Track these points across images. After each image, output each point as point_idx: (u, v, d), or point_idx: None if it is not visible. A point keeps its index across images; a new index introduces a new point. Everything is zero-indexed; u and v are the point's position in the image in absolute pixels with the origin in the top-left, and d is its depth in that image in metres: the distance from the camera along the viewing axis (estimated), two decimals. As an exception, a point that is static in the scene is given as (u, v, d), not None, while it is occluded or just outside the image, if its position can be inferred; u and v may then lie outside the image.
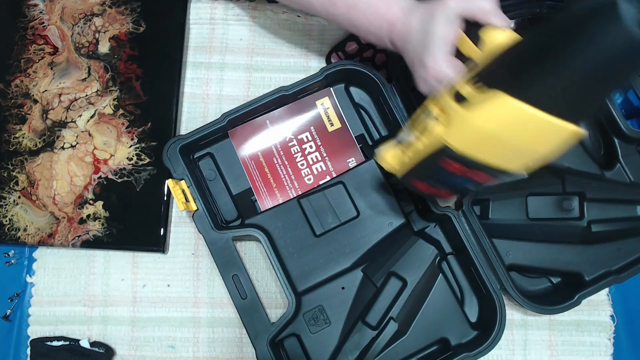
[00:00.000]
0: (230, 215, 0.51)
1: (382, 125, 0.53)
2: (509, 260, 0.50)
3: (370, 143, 0.53)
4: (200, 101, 0.55)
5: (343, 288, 0.50)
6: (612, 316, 0.52)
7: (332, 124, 0.52)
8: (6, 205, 0.51)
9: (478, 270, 0.47)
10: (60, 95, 0.53)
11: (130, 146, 0.52)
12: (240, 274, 0.48)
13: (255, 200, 0.52)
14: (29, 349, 0.50)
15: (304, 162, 0.52)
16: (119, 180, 0.52)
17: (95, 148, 0.53)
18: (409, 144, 0.38)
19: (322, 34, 0.55)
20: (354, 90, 0.53)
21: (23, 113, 0.53)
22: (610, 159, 0.51)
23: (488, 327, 0.47)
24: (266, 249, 0.48)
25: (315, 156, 0.52)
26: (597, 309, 0.52)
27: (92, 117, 0.53)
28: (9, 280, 0.52)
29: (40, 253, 0.52)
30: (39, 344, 0.50)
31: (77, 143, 0.52)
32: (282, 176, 0.52)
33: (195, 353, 0.51)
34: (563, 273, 0.51)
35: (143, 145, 0.52)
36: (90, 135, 0.53)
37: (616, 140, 0.50)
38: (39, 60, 0.53)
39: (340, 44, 0.54)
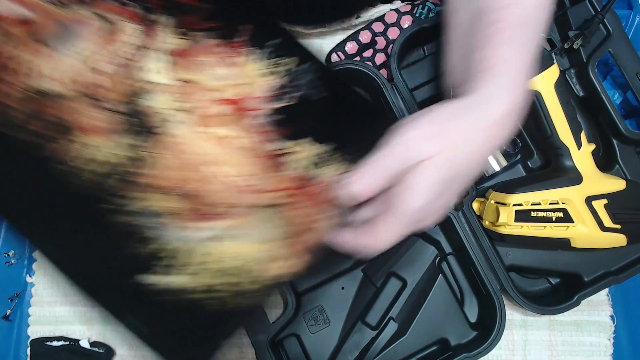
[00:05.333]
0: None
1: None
2: (508, 261, 0.50)
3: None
4: None
5: (343, 288, 0.50)
6: (612, 316, 0.52)
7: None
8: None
9: (478, 270, 0.47)
10: (93, 69, 0.35)
11: (256, 59, 0.36)
12: (240, 274, 0.48)
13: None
14: (29, 349, 0.50)
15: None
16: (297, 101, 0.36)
17: (212, 91, 0.35)
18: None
19: (322, 34, 0.55)
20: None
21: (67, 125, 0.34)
22: (609, 160, 0.51)
23: (488, 328, 0.47)
24: (266, 249, 0.48)
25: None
26: (596, 309, 0.52)
27: (164, 61, 0.35)
28: (9, 280, 0.52)
29: (40, 253, 0.52)
30: (39, 344, 0.50)
31: (186, 103, 0.35)
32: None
33: (195, 353, 0.51)
34: (562, 274, 0.51)
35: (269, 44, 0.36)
36: (187, 82, 0.35)
37: (615, 142, 0.50)
38: (16, 47, 0.35)
39: (340, 44, 0.54)
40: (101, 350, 0.50)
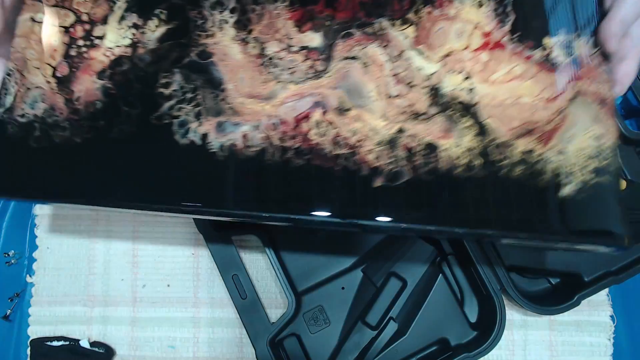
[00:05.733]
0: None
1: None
2: (508, 261, 0.50)
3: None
4: None
5: (343, 288, 0.50)
6: (612, 316, 0.52)
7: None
8: None
9: (478, 270, 0.47)
10: (392, 98, 0.37)
11: (461, 1, 0.38)
12: (240, 274, 0.48)
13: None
14: (29, 349, 0.50)
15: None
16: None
17: (466, 48, 0.37)
18: None
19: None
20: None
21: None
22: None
23: (488, 328, 0.47)
24: (266, 249, 0.48)
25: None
26: (597, 309, 0.52)
27: (419, 52, 0.37)
28: (9, 280, 0.52)
29: (40, 253, 0.52)
30: (39, 344, 0.50)
31: (464, 71, 0.37)
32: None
33: (195, 353, 0.51)
34: (562, 274, 0.51)
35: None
36: (447, 55, 0.37)
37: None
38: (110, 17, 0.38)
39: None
40: (101, 350, 0.50)
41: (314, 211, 0.34)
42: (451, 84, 0.36)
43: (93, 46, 0.37)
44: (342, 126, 0.36)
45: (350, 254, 0.50)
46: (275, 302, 0.52)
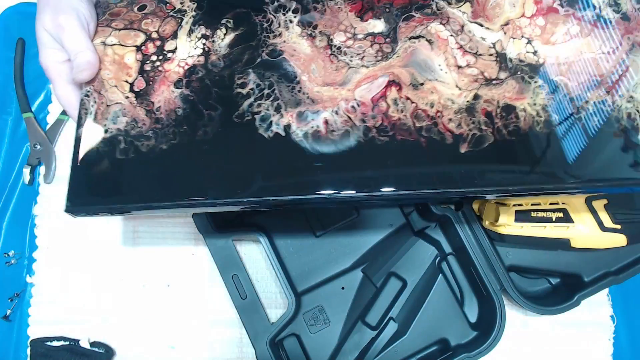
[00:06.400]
0: (230, 215, 0.51)
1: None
2: (508, 261, 0.50)
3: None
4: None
5: (343, 288, 0.50)
6: (612, 316, 0.52)
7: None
8: None
9: (478, 270, 0.47)
10: (461, 68, 0.40)
11: None
12: (240, 274, 0.48)
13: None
14: (29, 349, 0.50)
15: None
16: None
17: (523, 15, 0.41)
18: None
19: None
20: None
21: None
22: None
23: (488, 328, 0.47)
24: (266, 249, 0.48)
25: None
26: (597, 309, 0.52)
27: (480, 24, 0.40)
28: (9, 280, 0.52)
29: (40, 253, 0.52)
30: (39, 344, 0.50)
31: (525, 36, 0.40)
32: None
33: (195, 353, 0.51)
34: (562, 274, 0.51)
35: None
36: (506, 24, 0.40)
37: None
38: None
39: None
40: (101, 350, 0.50)
41: (409, 185, 0.35)
42: (515, 49, 0.39)
43: (167, 59, 0.39)
44: (419, 100, 0.38)
45: (350, 254, 0.50)
46: (275, 302, 0.52)
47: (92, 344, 0.50)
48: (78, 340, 0.50)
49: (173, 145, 0.37)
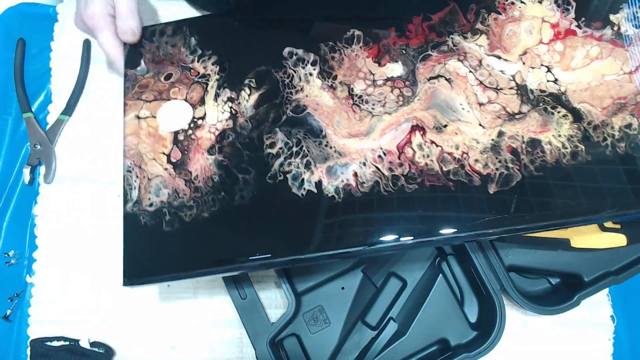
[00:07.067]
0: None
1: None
2: (508, 261, 0.50)
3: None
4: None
5: (343, 288, 0.50)
6: (612, 316, 0.52)
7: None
8: None
9: (478, 270, 0.47)
10: (483, 105, 0.39)
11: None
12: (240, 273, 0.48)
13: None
14: (28, 349, 0.50)
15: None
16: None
17: (541, 42, 0.40)
18: None
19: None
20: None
21: None
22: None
23: (488, 328, 0.47)
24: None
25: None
26: (597, 309, 0.52)
27: (497, 55, 0.40)
28: (9, 280, 0.52)
29: (40, 253, 0.52)
30: (39, 344, 0.49)
31: (544, 64, 0.39)
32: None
33: (195, 353, 0.51)
34: (562, 274, 0.51)
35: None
36: (524, 54, 0.40)
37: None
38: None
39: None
40: (101, 350, 0.50)
41: (443, 230, 0.35)
42: (536, 79, 0.38)
43: (198, 127, 0.40)
44: (444, 143, 0.37)
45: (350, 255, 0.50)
46: (275, 302, 0.52)
47: (92, 344, 0.50)
48: (78, 340, 0.50)
49: (214, 212, 0.38)
